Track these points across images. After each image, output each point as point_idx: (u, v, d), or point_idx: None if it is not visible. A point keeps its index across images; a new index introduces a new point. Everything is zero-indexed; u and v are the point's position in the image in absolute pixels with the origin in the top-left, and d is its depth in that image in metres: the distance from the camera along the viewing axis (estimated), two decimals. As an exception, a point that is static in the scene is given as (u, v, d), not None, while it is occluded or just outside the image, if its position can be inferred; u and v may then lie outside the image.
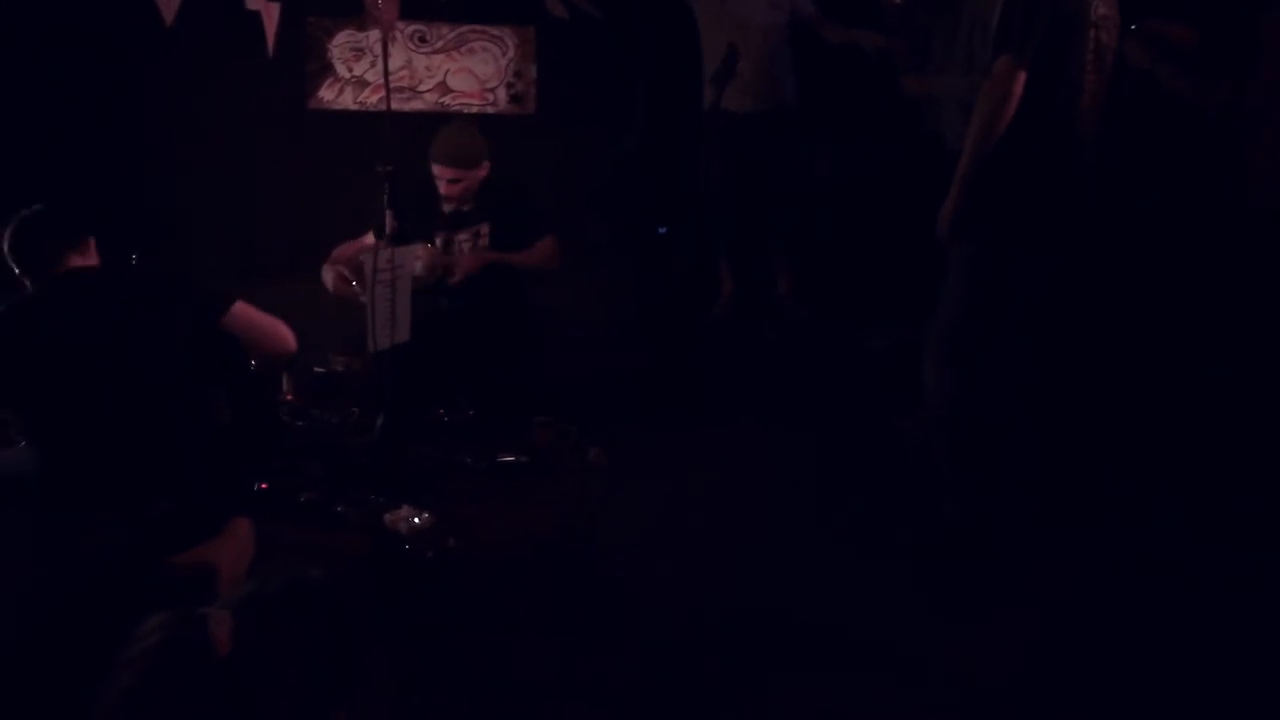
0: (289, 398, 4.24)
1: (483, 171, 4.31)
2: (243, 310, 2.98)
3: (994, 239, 3.35)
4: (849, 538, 3.45)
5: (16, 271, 3.03)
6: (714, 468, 3.90)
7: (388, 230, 3.82)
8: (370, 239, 4.18)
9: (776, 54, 5.31)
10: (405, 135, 4.36)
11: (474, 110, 6.62)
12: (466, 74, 6.62)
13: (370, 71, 6.48)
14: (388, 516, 3.28)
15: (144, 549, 2.66)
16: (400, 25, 6.46)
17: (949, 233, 3.36)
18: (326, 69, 6.45)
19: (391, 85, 6.48)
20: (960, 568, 3.22)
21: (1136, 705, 2.67)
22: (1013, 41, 3.23)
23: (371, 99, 6.51)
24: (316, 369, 4.49)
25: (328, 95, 6.47)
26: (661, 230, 6.42)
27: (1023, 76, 3.22)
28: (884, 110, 5.19)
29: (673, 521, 3.50)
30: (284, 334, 3.04)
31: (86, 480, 2.76)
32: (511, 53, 6.64)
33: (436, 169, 4.29)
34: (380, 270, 3.74)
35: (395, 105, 6.45)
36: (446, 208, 4.34)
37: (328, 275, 4.27)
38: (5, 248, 3.02)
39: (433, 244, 4.33)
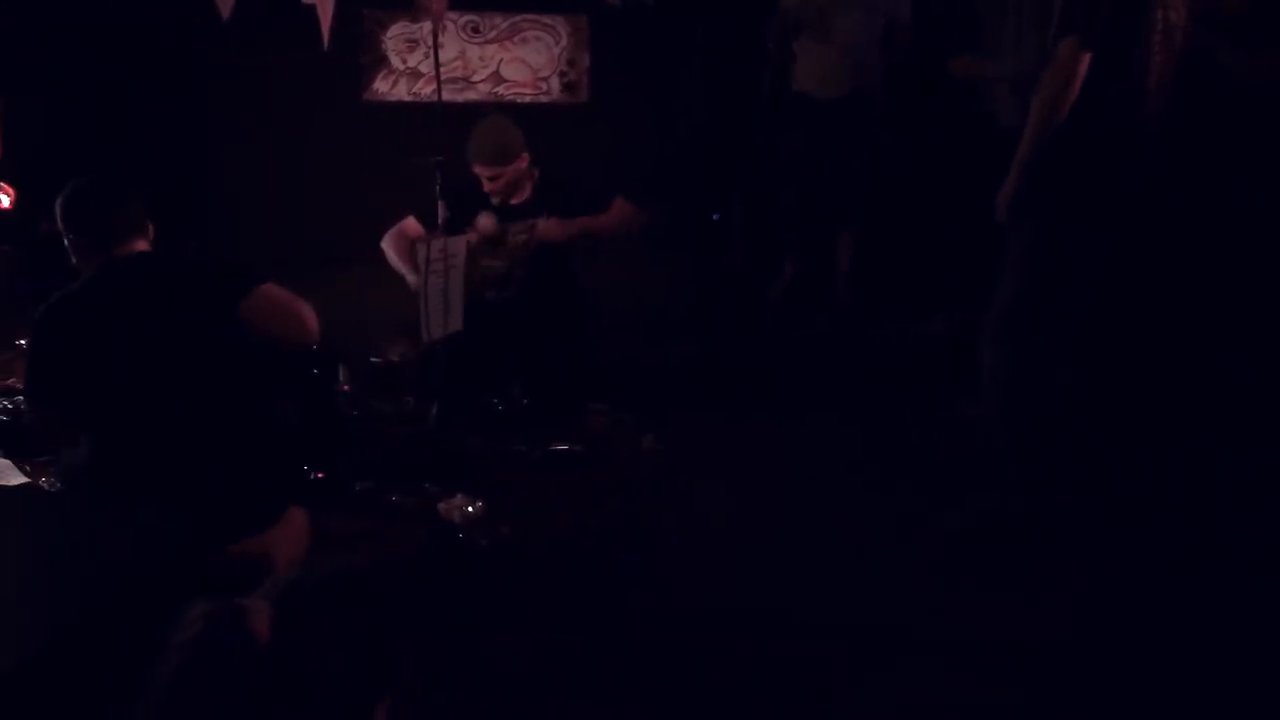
0: (345, 388, 4.26)
1: (522, 162, 4.29)
2: (267, 294, 2.93)
3: (1053, 222, 3.29)
4: (899, 526, 3.41)
5: (68, 242, 3.00)
6: (767, 456, 3.89)
7: (440, 220, 3.83)
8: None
9: (865, 42, 5.24)
10: (459, 126, 4.38)
11: (527, 99, 6.65)
12: (519, 63, 6.63)
13: (424, 63, 6.51)
14: (442, 505, 3.28)
15: (198, 538, 2.66)
16: (453, 16, 6.50)
17: (1007, 215, 3.31)
18: (381, 61, 6.49)
19: (445, 76, 6.56)
20: (1011, 555, 3.17)
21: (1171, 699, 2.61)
22: (1079, 24, 3.17)
23: (425, 90, 6.54)
24: (372, 359, 4.53)
25: (382, 87, 6.51)
26: (715, 217, 6.38)
27: (1087, 59, 3.16)
28: (937, 93, 5.12)
29: (723, 510, 3.50)
30: (308, 324, 2.98)
31: (138, 469, 2.78)
32: (564, 41, 6.64)
33: (476, 168, 4.29)
34: (433, 260, 3.75)
35: (448, 96, 6.51)
36: (495, 201, 4.34)
37: (390, 249, 4.28)
38: (59, 212, 2.98)
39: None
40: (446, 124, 4.43)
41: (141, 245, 3.01)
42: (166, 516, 2.67)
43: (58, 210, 3.03)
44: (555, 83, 6.68)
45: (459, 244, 3.83)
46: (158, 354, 2.80)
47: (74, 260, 3.04)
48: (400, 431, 3.84)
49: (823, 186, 5.41)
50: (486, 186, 4.29)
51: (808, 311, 5.47)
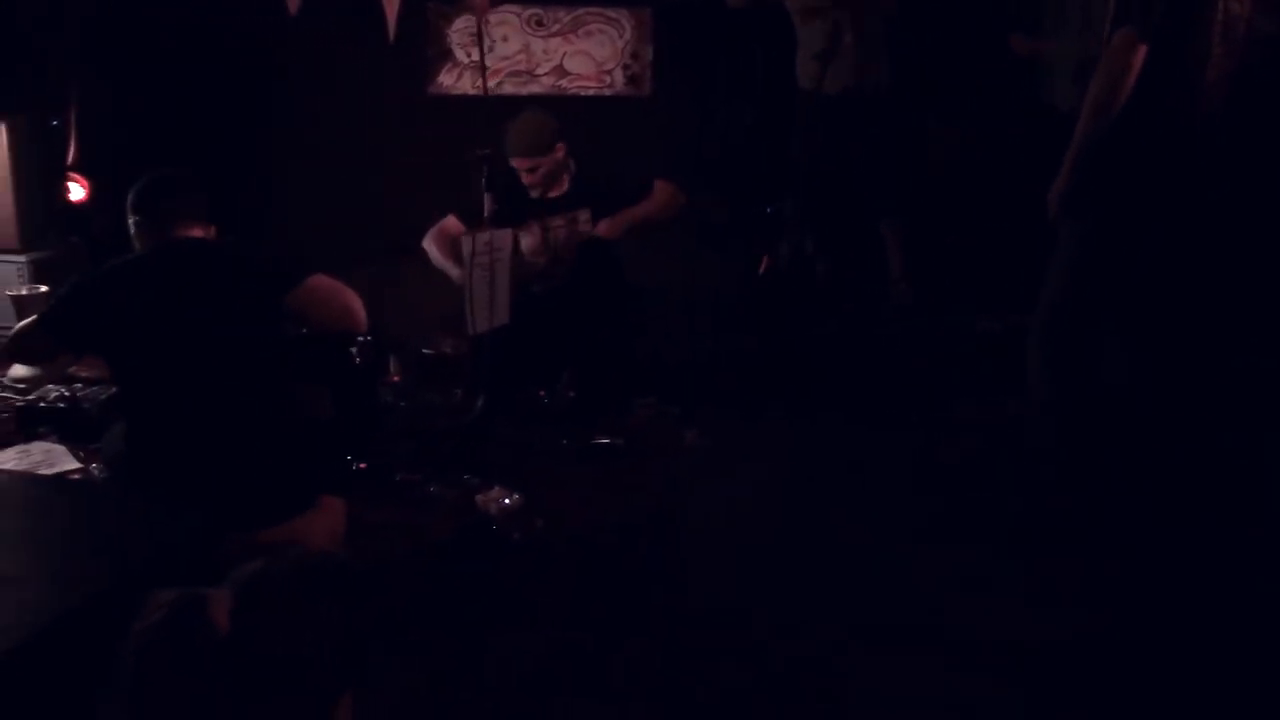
0: (395, 379, 4.31)
1: (558, 153, 4.30)
2: (315, 285, 3.01)
3: (1106, 217, 3.21)
4: (933, 527, 3.35)
5: (131, 226, 3.14)
6: (812, 451, 3.86)
7: (486, 212, 3.85)
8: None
9: (869, 36, 5.17)
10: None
11: (590, 92, 6.65)
12: (583, 56, 6.63)
13: (488, 57, 6.52)
14: (479, 497, 3.31)
15: (226, 523, 2.70)
16: (517, 9, 6.53)
17: (1060, 209, 3.24)
18: (445, 54, 6.53)
19: (508, 69, 6.63)
20: (1055, 556, 3.11)
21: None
22: (1135, 14, 3.08)
23: (490, 83, 6.56)
24: (424, 350, 4.57)
25: (447, 80, 6.56)
26: (769, 210, 6.31)
27: (1143, 50, 3.07)
28: (994, 79, 5.03)
29: (756, 508, 3.47)
30: (355, 313, 3.06)
31: (168, 452, 2.84)
32: (628, 34, 6.62)
33: (513, 162, 4.31)
34: (478, 253, 3.77)
35: (512, 89, 6.58)
36: (534, 194, 4.35)
37: (433, 247, 4.32)
38: (129, 199, 3.15)
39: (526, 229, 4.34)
40: (502, 117, 4.47)
41: (197, 232, 3.10)
42: (193, 502, 2.71)
43: (129, 198, 3.19)
44: (619, 75, 6.67)
45: (505, 237, 3.85)
46: (192, 333, 2.87)
47: (136, 245, 3.15)
48: (445, 423, 3.88)
49: (839, 183, 5.34)
50: (524, 179, 4.32)
51: (857, 308, 5.40)
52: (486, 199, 3.84)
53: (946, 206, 5.67)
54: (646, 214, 4.37)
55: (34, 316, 3.18)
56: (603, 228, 4.31)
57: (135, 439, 2.91)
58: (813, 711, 2.49)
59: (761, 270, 5.49)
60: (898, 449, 3.91)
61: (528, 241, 4.28)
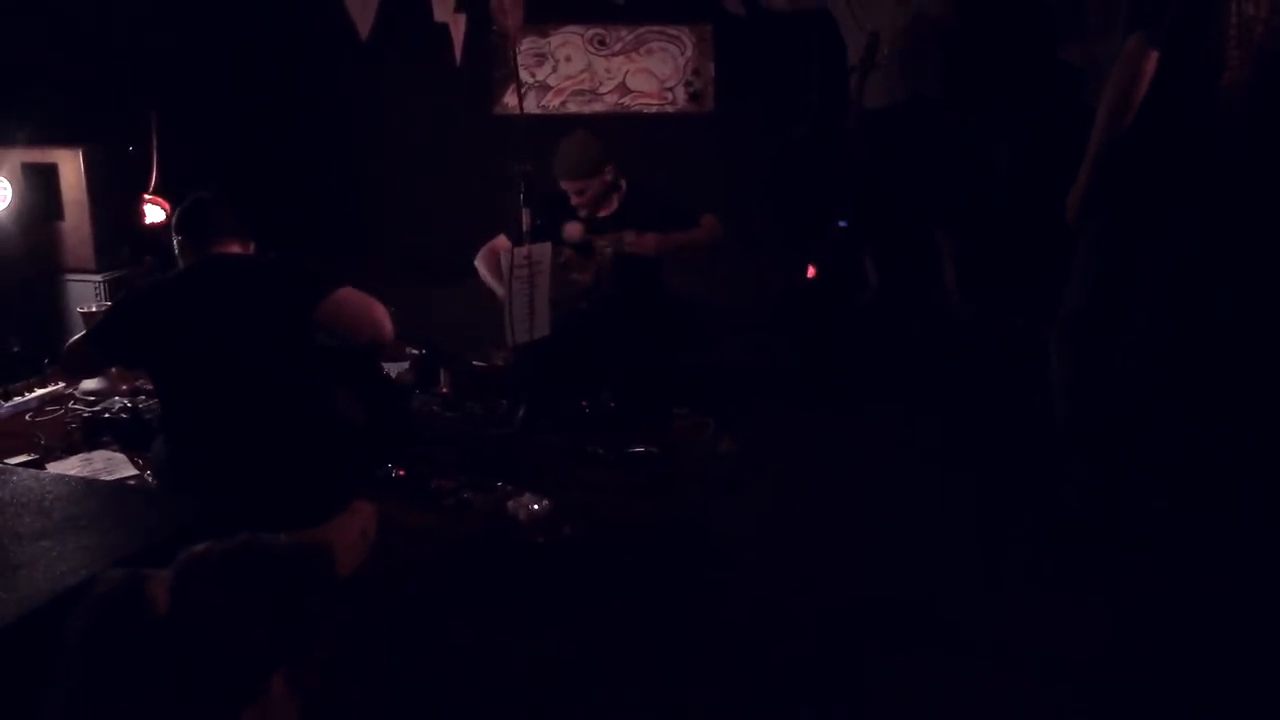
0: (444, 390, 4.45)
1: (607, 176, 4.40)
2: (342, 298, 3.15)
3: (1124, 223, 3.19)
4: (977, 527, 3.34)
5: (175, 245, 3.34)
6: (853, 460, 3.87)
7: (525, 228, 3.96)
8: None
9: (914, 50, 5.16)
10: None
11: (653, 110, 6.75)
12: (646, 74, 6.73)
13: (551, 76, 6.69)
14: (510, 503, 3.40)
15: (264, 524, 2.83)
16: (579, 29, 6.67)
17: (1078, 216, 3.23)
18: (510, 75, 6.68)
19: (572, 88, 6.77)
20: (1068, 553, 3.10)
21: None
22: (1146, 18, 3.07)
23: (554, 102, 6.71)
24: (475, 363, 4.70)
25: (512, 100, 6.70)
26: (842, 224, 6.33)
27: (1155, 56, 3.05)
28: (1042, 86, 5.00)
29: (795, 514, 3.48)
30: (381, 325, 3.20)
31: (204, 456, 2.99)
32: (689, 51, 6.72)
33: (562, 184, 4.42)
34: (518, 266, 3.88)
35: (576, 108, 6.71)
36: (581, 214, 4.45)
37: (482, 265, 4.45)
38: (174, 220, 3.38)
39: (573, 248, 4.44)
40: (542, 135, 4.59)
41: (235, 249, 3.27)
42: (229, 505, 2.85)
43: (173, 219, 3.43)
44: (681, 92, 6.76)
45: (544, 250, 3.96)
46: (227, 343, 3.03)
47: (180, 263, 3.34)
48: (486, 432, 3.99)
49: (890, 195, 5.33)
50: (573, 200, 4.42)
51: (909, 316, 5.39)
52: (525, 214, 3.95)
53: (1001, 215, 5.64)
54: (692, 241, 4.46)
55: (83, 333, 3.36)
56: (650, 241, 4.39)
57: (174, 445, 3.07)
58: (837, 711, 2.51)
59: (809, 278, 5.52)
60: (937, 456, 3.90)
61: (571, 229, 4.38)
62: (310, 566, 1.47)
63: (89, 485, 2.75)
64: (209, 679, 1.30)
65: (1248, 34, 3.11)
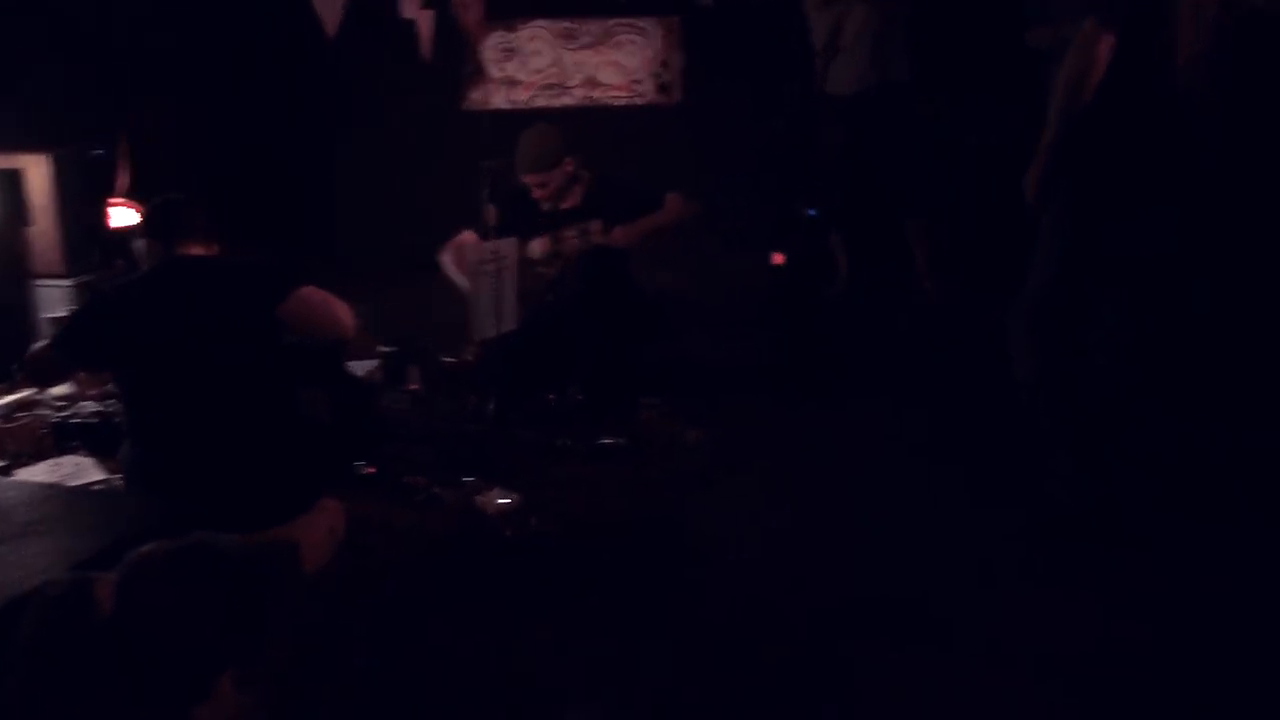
0: (414, 387, 4.46)
1: (568, 168, 4.39)
2: (305, 296, 3.15)
3: (1082, 205, 3.22)
4: (950, 522, 3.35)
5: (142, 247, 3.36)
6: (827, 452, 3.87)
7: (490, 223, 3.98)
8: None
9: (878, 34, 5.18)
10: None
11: (622, 102, 6.76)
12: (614, 67, 6.75)
13: (520, 71, 6.69)
14: (478, 498, 3.43)
15: (232, 524, 2.84)
16: (547, 23, 6.67)
17: (1036, 199, 3.26)
18: (479, 70, 6.68)
19: (541, 82, 6.78)
20: (1057, 548, 3.11)
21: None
22: (1099, 3, 3.10)
23: (523, 97, 6.71)
24: (445, 359, 4.72)
25: (479, 96, 6.71)
26: (811, 213, 6.36)
27: (1109, 40, 3.08)
28: (1012, 71, 5.01)
29: (766, 506, 3.49)
30: (342, 322, 3.21)
31: (170, 456, 3.00)
32: (657, 43, 6.73)
33: (523, 178, 4.41)
34: (483, 262, 3.90)
35: (544, 102, 6.71)
36: (545, 207, 4.46)
37: (448, 260, 4.46)
38: (141, 220, 3.41)
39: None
40: (506, 132, 4.60)
41: (199, 250, 3.27)
42: (196, 506, 2.86)
43: (143, 215, 3.45)
44: (649, 84, 6.77)
45: (510, 245, 3.97)
46: (191, 344, 3.04)
47: (145, 264, 3.35)
48: (455, 428, 4.01)
49: (859, 182, 5.35)
50: (535, 194, 4.42)
51: (882, 306, 5.41)
52: (490, 210, 3.96)
53: (973, 202, 5.66)
54: (659, 223, 4.46)
55: (48, 339, 3.36)
56: (617, 235, 4.40)
57: (141, 448, 3.08)
58: (827, 710, 2.51)
59: (775, 264, 5.55)
60: (910, 444, 3.91)
61: (538, 247, 4.39)
62: (265, 565, 1.49)
63: (49, 490, 2.76)
64: (157, 679, 1.31)
65: (1200, 14, 3.14)
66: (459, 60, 6.64)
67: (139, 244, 3.34)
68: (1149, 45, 3.12)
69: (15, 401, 4.41)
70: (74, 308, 4.50)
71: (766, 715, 2.51)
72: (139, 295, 3.14)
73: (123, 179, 5.50)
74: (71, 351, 3.20)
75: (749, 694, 2.56)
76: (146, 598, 1.33)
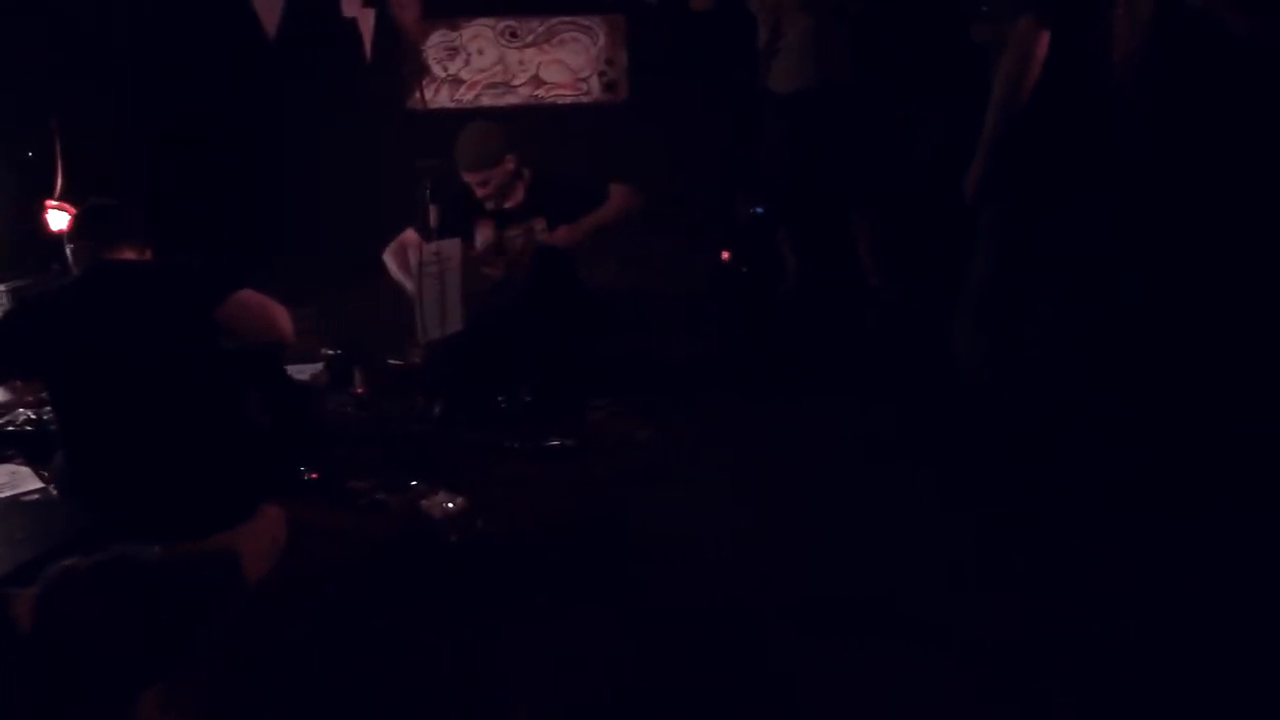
0: (359, 391, 4.41)
1: (508, 164, 4.35)
2: (241, 300, 3.11)
3: (1021, 202, 3.25)
4: (904, 516, 3.32)
5: (69, 253, 3.29)
6: (770, 448, 3.86)
7: (432, 224, 3.94)
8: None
9: (819, 33, 5.19)
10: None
11: (568, 100, 6.73)
12: (559, 65, 6.72)
13: (465, 69, 6.64)
14: (424, 502, 3.38)
15: (170, 533, 2.79)
16: (490, 21, 6.63)
17: (975, 196, 3.28)
18: (423, 69, 6.63)
19: (486, 81, 6.74)
20: (1035, 546, 3.10)
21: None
22: (1035, 1, 3.12)
23: (468, 96, 6.67)
24: (391, 361, 4.67)
25: (425, 94, 6.65)
26: (758, 210, 6.36)
27: (1045, 37, 3.11)
28: (954, 66, 5.03)
29: (716, 505, 3.46)
30: (281, 326, 3.16)
31: (105, 464, 2.94)
32: (602, 41, 6.71)
33: (464, 176, 4.37)
34: (427, 263, 3.86)
35: (489, 101, 6.67)
36: (489, 206, 4.42)
37: (391, 261, 4.41)
38: (68, 225, 3.35)
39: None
40: (448, 130, 4.55)
41: (129, 254, 3.21)
42: (132, 514, 2.81)
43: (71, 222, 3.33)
44: (595, 83, 6.75)
45: (454, 246, 3.94)
46: (122, 350, 2.98)
47: (73, 268, 3.28)
48: (400, 431, 3.96)
49: (804, 179, 5.36)
50: (478, 192, 4.38)
51: (830, 302, 5.42)
52: (431, 211, 3.93)
53: (918, 197, 5.68)
54: (604, 219, 4.43)
55: None
56: (562, 234, 4.37)
57: (75, 456, 3.01)
58: (773, 709, 2.49)
59: (723, 260, 5.55)
60: (861, 440, 3.88)
61: (482, 237, 4.35)
62: (190, 577, 1.45)
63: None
64: (78, 695, 1.28)
65: (1135, 12, 3.17)
66: (402, 59, 6.58)
67: (68, 249, 3.27)
68: (1084, 42, 3.15)
69: (-51, 410, 4.32)
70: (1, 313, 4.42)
71: (720, 714, 2.49)
72: (66, 301, 3.08)
73: (58, 181, 5.40)
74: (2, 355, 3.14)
75: (694, 692, 2.53)
76: (66, 612, 1.30)
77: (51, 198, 5.28)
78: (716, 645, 2.70)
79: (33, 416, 3.99)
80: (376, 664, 2.64)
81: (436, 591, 2.99)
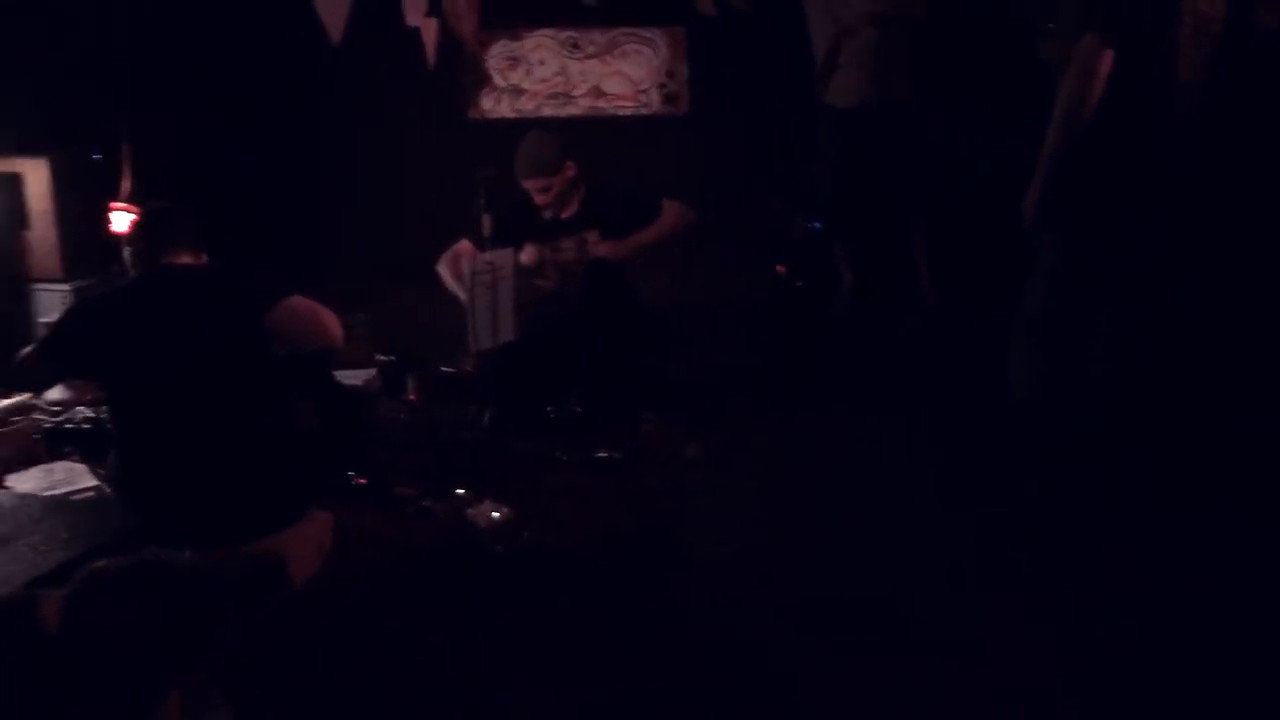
0: (412, 397, 4.42)
1: (568, 172, 4.36)
2: (292, 306, 3.12)
3: (1083, 224, 3.19)
4: (943, 530, 3.29)
5: (126, 256, 3.33)
6: (826, 465, 3.83)
7: (486, 233, 3.95)
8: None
9: (883, 48, 5.13)
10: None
11: (628, 112, 6.74)
12: (620, 77, 6.72)
13: (525, 80, 6.67)
14: (470, 510, 3.38)
15: (218, 536, 2.81)
16: (553, 33, 6.65)
17: (1034, 221, 3.22)
18: (484, 79, 6.67)
19: (546, 91, 6.76)
20: (1037, 557, 3.07)
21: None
22: (1098, 19, 3.06)
23: (528, 106, 6.69)
24: (444, 369, 4.68)
25: (486, 104, 6.70)
26: (815, 225, 6.31)
27: (1109, 56, 3.05)
28: (1019, 84, 4.97)
29: (763, 519, 3.44)
30: (331, 332, 3.17)
31: (155, 467, 2.97)
32: (663, 53, 6.71)
33: (524, 184, 4.38)
34: (480, 272, 3.87)
35: (550, 111, 6.69)
36: (547, 215, 4.42)
37: (444, 270, 4.42)
38: (127, 229, 3.40)
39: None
40: (504, 141, 4.57)
41: (186, 258, 3.24)
42: (181, 516, 2.84)
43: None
44: (655, 95, 6.75)
45: (506, 256, 3.94)
46: (175, 353, 3.00)
47: (130, 270, 3.32)
48: (449, 439, 3.97)
49: (865, 195, 5.31)
50: (538, 199, 4.38)
51: (889, 314, 5.37)
52: (485, 220, 3.94)
53: (977, 214, 5.61)
54: (655, 237, 4.43)
55: (34, 344, 3.34)
56: (605, 249, 4.36)
57: (126, 456, 3.05)
58: (773, 709, 2.48)
59: (779, 273, 5.51)
60: (907, 457, 3.85)
61: (527, 255, 4.36)
62: (218, 582, 1.46)
63: (20, 500, 2.73)
64: (102, 696, 1.28)
65: (1202, 32, 3.11)
66: (463, 69, 6.62)
67: (127, 251, 3.31)
68: (1149, 62, 3.09)
69: (12, 406, 4.39)
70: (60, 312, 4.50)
71: (735, 714, 2.48)
72: (121, 302, 3.12)
73: (125, 183, 5.49)
74: (53, 356, 3.18)
75: (720, 693, 2.53)
76: (89, 614, 1.30)
77: (118, 199, 5.38)
78: (722, 648, 2.70)
79: (91, 415, 4.05)
80: (381, 663, 2.67)
81: (455, 595, 2.99)
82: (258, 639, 2.47)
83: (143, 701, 1.32)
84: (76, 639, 1.28)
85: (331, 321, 3.16)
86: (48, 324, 4.42)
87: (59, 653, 1.27)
